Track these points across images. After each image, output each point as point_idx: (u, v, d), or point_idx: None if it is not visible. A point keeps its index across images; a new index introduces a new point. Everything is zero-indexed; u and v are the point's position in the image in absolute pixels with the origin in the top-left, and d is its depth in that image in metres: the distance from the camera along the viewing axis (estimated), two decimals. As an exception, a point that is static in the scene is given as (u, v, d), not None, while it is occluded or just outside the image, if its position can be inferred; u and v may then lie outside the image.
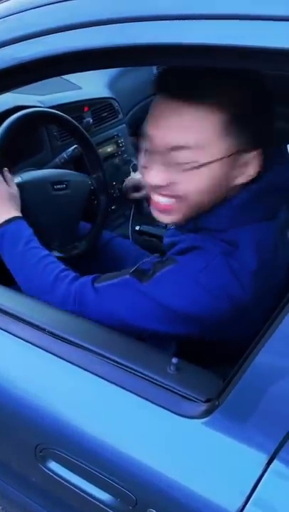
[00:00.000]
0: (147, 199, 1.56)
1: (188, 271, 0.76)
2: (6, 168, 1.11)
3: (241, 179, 0.76)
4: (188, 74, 0.70)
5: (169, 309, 0.76)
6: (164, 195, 0.77)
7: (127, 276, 0.81)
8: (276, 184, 0.77)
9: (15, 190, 1.09)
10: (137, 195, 1.52)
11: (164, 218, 0.81)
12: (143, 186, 1.50)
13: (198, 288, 0.75)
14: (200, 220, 0.79)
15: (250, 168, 0.75)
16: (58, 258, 1.17)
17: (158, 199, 0.79)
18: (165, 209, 0.79)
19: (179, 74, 0.71)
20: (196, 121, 0.70)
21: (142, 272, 0.81)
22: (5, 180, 1.09)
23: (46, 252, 0.97)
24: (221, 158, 0.72)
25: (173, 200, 0.77)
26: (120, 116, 1.73)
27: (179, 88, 0.70)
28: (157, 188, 0.77)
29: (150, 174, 0.76)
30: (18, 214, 1.03)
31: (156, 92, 0.75)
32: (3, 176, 1.08)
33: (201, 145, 0.71)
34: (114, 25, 0.60)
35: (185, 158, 0.71)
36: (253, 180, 0.76)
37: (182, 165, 0.72)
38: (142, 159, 0.80)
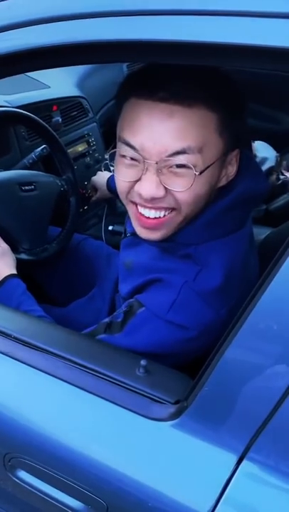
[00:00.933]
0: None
1: (156, 313, 0.75)
2: None
3: (222, 181, 0.75)
4: (168, 75, 0.66)
5: (146, 353, 0.74)
6: (156, 209, 0.72)
7: (102, 335, 0.80)
8: (244, 195, 0.76)
9: (5, 247, 1.07)
10: (95, 196, 1.52)
11: (153, 235, 0.75)
12: (98, 187, 1.49)
13: (170, 327, 0.74)
14: (174, 233, 0.76)
15: (230, 168, 0.74)
16: (27, 261, 1.15)
17: (148, 213, 0.72)
18: (156, 224, 0.73)
19: (158, 75, 0.67)
20: (192, 123, 0.66)
21: (114, 324, 0.80)
22: None
23: (37, 313, 0.95)
24: (217, 160, 0.70)
25: (166, 212, 0.72)
26: (90, 114, 1.71)
27: (168, 90, 0.65)
28: (151, 201, 0.70)
29: (144, 186, 0.69)
30: (11, 271, 1.01)
31: (131, 95, 0.69)
32: None
33: (200, 148, 0.67)
34: (81, 20, 0.57)
35: (185, 164, 0.67)
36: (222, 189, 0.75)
37: (182, 172, 0.68)
38: (120, 167, 0.73)
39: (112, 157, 0.75)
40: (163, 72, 0.68)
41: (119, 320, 0.79)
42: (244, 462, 0.57)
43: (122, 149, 0.71)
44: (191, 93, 0.66)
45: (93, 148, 1.69)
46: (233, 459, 0.57)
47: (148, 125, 0.67)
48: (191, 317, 0.74)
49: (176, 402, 0.63)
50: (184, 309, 0.74)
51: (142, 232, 0.76)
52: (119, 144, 0.72)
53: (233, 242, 0.77)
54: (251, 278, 0.81)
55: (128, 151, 0.70)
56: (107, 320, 0.82)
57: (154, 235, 0.75)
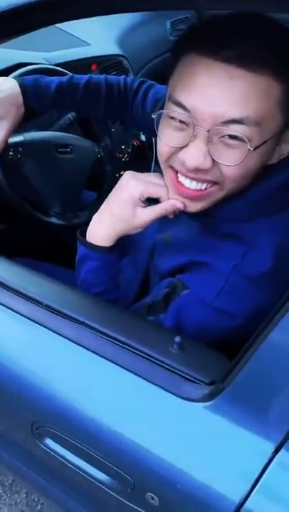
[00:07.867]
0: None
1: (202, 298, 0.71)
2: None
3: (273, 160, 0.68)
4: (236, 32, 0.59)
5: (190, 335, 0.71)
6: (199, 180, 0.66)
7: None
8: None
9: None
10: None
11: (191, 206, 0.69)
12: None
13: (216, 314, 0.70)
14: (215, 207, 0.70)
15: (283, 147, 0.68)
16: (57, 225, 1.12)
17: (189, 184, 0.67)
18: (195, 196, 0.68)
19: (224, 31, 0.60)
20: (255, 91, 0.59)
21: (157, 304, 0.76)
22: None
23: None
24: (273, 136, 0.63)
25: (208, 185, 0.66)
26: (130, 75, 1.64)
27: (233, 50, 0.58)
28: (195, 172, 0.64)
29: (190, 155, 0.63)
30: None
31: (190, 50, 0.62)
32: None
33: (258, 120, 0.60)
34: None
35: (240, 136, 0.60)
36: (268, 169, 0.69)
37: (234, 144, 0.61)
38: (166, 130, 0.66)
39: (159, 119, 0.69)
40: (230, 28, 0.60)
41: (161, 298, 0.75)
42: (281, 452, 0.53)
43: (172, 110, 0.64)
44: (259, 57, 0.58)
45: (132, 110, 1.62)
46: (270, 447, 0.54)
47: (205, 85, 0.60)
48: (239, 304, 0.69)
49: (211, 383, 0.59)
50: (233, 296, 0.69)
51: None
52: (168, 104, 0.65)
53: (284, 221, 0.70)
54: None
55: (178, 112, 0.63)
56: (148, 301, 0.78)
57: (191, 207, 0.70)
